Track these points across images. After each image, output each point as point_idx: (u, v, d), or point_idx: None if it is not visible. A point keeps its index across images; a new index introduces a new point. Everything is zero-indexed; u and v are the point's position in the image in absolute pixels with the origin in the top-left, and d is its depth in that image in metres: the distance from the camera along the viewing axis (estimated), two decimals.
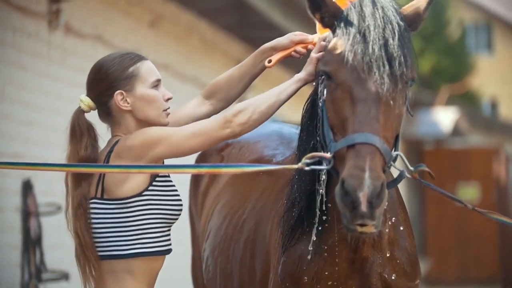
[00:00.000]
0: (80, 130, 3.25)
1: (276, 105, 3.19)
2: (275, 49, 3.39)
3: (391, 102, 2.90)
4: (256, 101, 3.18)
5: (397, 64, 2.91)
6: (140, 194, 3.16)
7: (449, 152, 18.63)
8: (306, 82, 3.23)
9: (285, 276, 3.23)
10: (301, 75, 3.22)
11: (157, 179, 3.20)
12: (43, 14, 6.72)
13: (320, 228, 3.16)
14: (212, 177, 4.39)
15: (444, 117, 18.98)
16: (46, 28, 6.77)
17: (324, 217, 3.16)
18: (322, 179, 3.09)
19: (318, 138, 3.11)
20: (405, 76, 2.93)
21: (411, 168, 3.03)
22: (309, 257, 3.16)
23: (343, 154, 2.86)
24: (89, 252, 3.19)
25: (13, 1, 6.40)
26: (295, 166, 3.06)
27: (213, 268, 3.85)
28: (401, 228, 3.30)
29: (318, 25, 3.33)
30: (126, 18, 8.18)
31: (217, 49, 10.49)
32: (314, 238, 3.15)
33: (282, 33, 3.47)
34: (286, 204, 3.30)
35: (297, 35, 3.38)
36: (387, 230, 3.18)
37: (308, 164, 3.00)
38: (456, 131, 19.75)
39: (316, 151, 3.09)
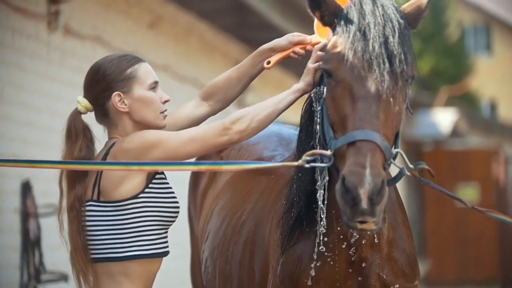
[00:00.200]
0: (76, 132, 3.25)
1: (274, 114, 3.19)
2: (273, 50, 3.38)
3: (391, 99, 2.91)
4: (254, 109, 3.18)
5: (397, 62, 2.92)
6: (136, 196, 3.16)
7: (448, 153, 18.63)
8: (304, 92, 3.22)
9: (284, 277, 3.24)
10: (300, 85, 3.22)
11: (154, 181, 3.20)
12: (42, 15, 6.72)
13: (319, 229, 3.17)
14: (211, 178, 4.39)
15: (443, 118, 18.98)
16: (45, 29, 6.77)
17: (322, 217, 3.16)
18: (325, 180, 3.09)
19: (317, 136, 3.11)
20: (405, 74, 2.94)
21: (411, 166, 3.04)
22: (315, 257, 3.14)
23: (343, 152, 2.87)
24: (80, 255, 3.19)
25: (12, 2, 6.40)
26: (295, 163, 3.07)
27: (212, 270, 3.85)
28: (400, 229, 3.30)
29: (316, 26, 3.34)
30: (125, 19, 8.18)
31: (216, 50, 10.50)
32: (318, 240, 3.14)
33: (281, 34, 3.47)
34: (285, 205, 3.30)
35: (296, 36, 3.38)
36: (386, 231, 3.18)
37: (308, 161, 3.00)
38: (455, 132, 19.76)
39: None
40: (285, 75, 12.54)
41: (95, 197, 3.19)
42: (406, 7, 3.08)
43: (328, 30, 3.13)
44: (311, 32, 3.38)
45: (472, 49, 33.66)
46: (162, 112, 3.30)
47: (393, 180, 3.02)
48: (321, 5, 3.05)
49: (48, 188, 6.50)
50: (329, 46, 3.03)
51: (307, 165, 3.02)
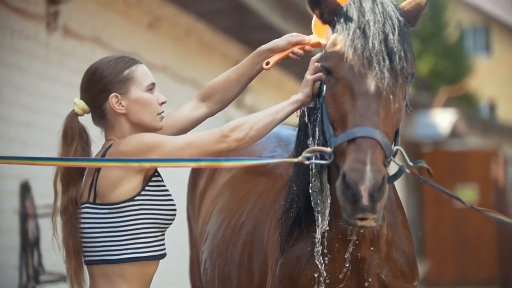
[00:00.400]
0: (72, 133, 3.25)
1: (272, 123, 3.19)
2: (272, 51, 3.38)
3: (391, 96, 2.91)
4: (253, 118, 3.18)
5: (397, 59, 2.92)
6: (132, 199, 3.15)
7: (447, 154, 18.64)
8: (303, 104, 3.21)
9: (283, 278, 3.24)
10: (298, 96, 3.21)
11: (150, 183, 3.20)
12: (41, 16, 6.72)
13: (317, 228, 3.17)
14: (209, 179, 4.39)
15: (442, 119, 18.99)
16: (45, 30, 6.77)
17: (318, 215, 3.16)
18: (323, 180, 3.09)
19: (317, 134, 3.11)
20: (405, 71, 2.94)
21: (411, 164, 3.03)
22: (320, 250, 3.14)
23: (344, 149, 2.87)
24: (72, 259, 3.20)
25: (11, 3, 6.40)
26: (295, 159, 3.07)
27: (211, 271, 3.85)
28: (399, 229, 3.30)
29: (314, 25, 3.34)
30: (124, 20, 8.18)
31: (215, 51, 10.50)
32: (318, 236, 3.14)
33: (280, 35, 3.47)
34: (284, 206, 3.30)
35: (294, 36, 3.38)
36: (385, 231, 3.19)
37: (308, 158, 3.01)
38: (454, 133, 19.76)
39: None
40: (284, 76, 12.54)
41: (91, 200, 3.18)
42: (405, 5, 3.08)
43: (326, 29, 3.14)
44: (310, 32, 3.38)
45: (471, 50, 33.67)
46: (159, 114, 3.30)
47: (393, 177, 3.02)
48: (320, 3, 3.05)
49: (47, 189, 6.47)
50: (328, 43, 3.03)
51: (307, 162, 3.03)
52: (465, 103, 27.21)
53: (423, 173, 3.16)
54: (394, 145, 2.97)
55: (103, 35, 7.66)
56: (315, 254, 3.15)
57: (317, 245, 3.14)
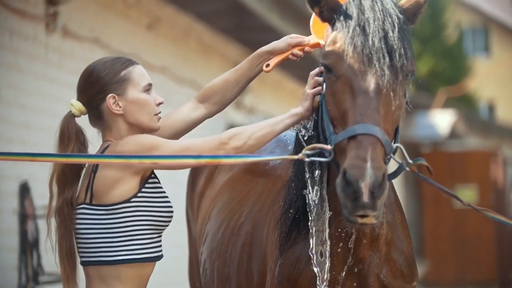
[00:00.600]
0: (69, 135, 3.25)
1: (271, 135, 3.17)
2: (272, 53, 3.38)
3: (392, 94, 2.91)
4: (252, 128, 3.17)
5: (397, 56, 2.92)
6: (129, 201, 3.15)
7: (447, 154, 18.64)
8: (302, 118, 3.20)
9: (282, 278, 3.24)
10: (298, 110, 3.20)
11: (147, 185, 3.19)
12: (40, 17, 6.72)
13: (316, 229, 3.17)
14: (208, 179, 4.39)
15: (442, 119, 19.00)
16: (44, 31, 6.77)
17: (313, 213, 3.16)
18: (322, 180, 3.09)
19: (319, 131, 3.11)
20: (405, 68, 2.94)
21: (410, 161, 3.03)
22: (327, 248, 3.14)
23: (344, 146, 2.87)
24: (65, 260, 3.20)
25: (11, 4, 6.40)
26: (296, 156, 3.07)
27: (211, 272, 3.85)
28: (398, 230, 3.30)
29: (312, 26, 3.34)
30: (123, 21, 8.18)
31: (214, 52, 10.50)
32: (312, 239, 3.14)
33: (279, 36, 3.47)
34: (283, 206, 3.30)
35: (294, 38, 3.38)
36: (384, 231, 3.19)
37: (308, 155, 3.01)
38: (453, 134, 19.77)
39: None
40: (284, 77, 12.54)
41: (87, 200, 3.18)
42: (404, 2, 3.09)
43: (325, 30, 3.14)
44: (309, 32, 3.38)
45: (470, 51, 33.68)
46: (156, 114, 3.30)
47: (393, 175, 3.02)
48: (320, 0, 3.05)
49: (46, 189, 6.49)
50: (328, 41, 3.03)
51: (307, 159, 3.03)
52: (464, 103, 27.23)
53: (422, 171, 3.16)
54: (394, 143, 2.97)
55: (102, 35, 7.66)
56: (313, 255, 3.15)
57: (313, 247, 3.14)
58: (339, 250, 3.15)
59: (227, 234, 3.76)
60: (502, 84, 33.95)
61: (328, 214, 3.12)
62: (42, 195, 6.56)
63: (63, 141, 3.25)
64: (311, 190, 3.15)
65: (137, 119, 3.26)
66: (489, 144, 23.11)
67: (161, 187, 3.24)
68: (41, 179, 6.49)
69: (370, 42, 2.92)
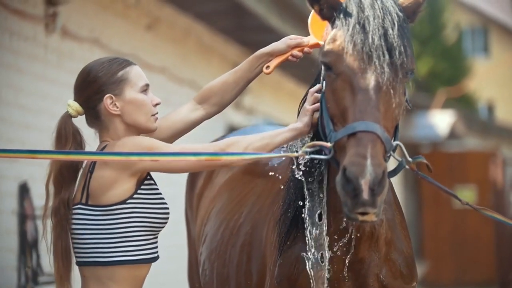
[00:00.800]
0: (66, 135, 3.25)
1: (269, 146, 3.16)
2: (271, 55, 3.38)
3: (391, 91, 2.92)
4: (250, 138, 3.17)
5: (397, 54, 2.93)
6: (124, 202, 3.15)
7: (446, 155, 18.64)
8: (301, 133, 3.19)
9: (281, 279, 3.24)
10: (297, 124, 3.20)
11: (142, 187, 3.19)
12: (40, 17, 6.72)
13: (315, 229, 3.17)
14: (207, 180, 4.39)
15: (441, 120, 19.00)
16: (43, 31, 6.77)
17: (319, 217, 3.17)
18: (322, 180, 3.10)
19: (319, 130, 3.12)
20: (405, 66, 2.95)
21: (410, 159, 3.04)
22: (327, 249, 3.14)
23: (344, 143, 2.87)
24: (60, 261, 3.20)
25: (10, 4, 6.40)
26: (296, 154, 3.08)
27: (210, 272, 3.85)
28: (398, 230, 3.30)
29: (310, 27, 3.34)
30: (123, 22, 8.18)
31: (214, 52, 10.50)
32: (308, 238, 3.14)
33: (279, 36, 3.48)
34: (282, 206, 3.30)
35: (293, 39, 3.38)
36: (384, 231, 3.19)
37: (307, 153, 3.01)
38: (452, 134, 19.77)
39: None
40: (283, 77, 12.54)
41: (83, 201, 3.18)
42: (404, 0, 3.09)
43: (323, 30, 3.14)
44: (308, 33, 3.38)
45: (469, 51, 33.69)
46: (154, 115, 3.30)
47: (392, 173, 3.02)
48: None
49: None
50: (328, 39, 3.03)
51: (307, 157, 3.03)
52: (464, 104, 27.23)
53: (422, 169, 3.16)
54: (394, 140, 2.98)
55: (102, 36, 7.66)
56: (311, 255, 3.15)
57: (311, 249, 3.14)
58: (338, 249, 3.15)
59: (226, 235, 3.76)
60: (502, 84, 33.95)
61: (325, 227, 3.13)
62: (42, 195, 6.52)
63: (60, 142, 3.25)
64: (308, 202, 3.15)
65: (134, 119, 3.26)
66: (489, 144, 23.11)
67: (157, 189, 3.24)
68: (40, 180, 6.46)
69: (370, 40, 2.93)
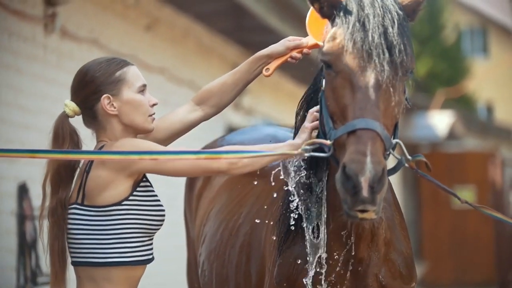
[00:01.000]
0: (63, 135, 3.25)
1: (267, 158, 3.15)
2: (270, 57, 3.39)
3: (391, 89, 2.92)
4: (249, 148, 3.16)
5: (397, 52, 2.93)
6: (120, 203, 3.15)
7: (445, 155, 18.64)
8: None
9: (281, 279, 3.24)
10: (296, 141, 3.19)
11: (138, 189, 3.19)
12: (39, 18, 6.72)
13: (314, 229, 3.18)
14: (206, 181, 4.39)
15: (440, 120, 19.00)
16: (42, 32, 6.77)
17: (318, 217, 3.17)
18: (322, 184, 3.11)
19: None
20: (405, 64, 2.95)
21: (409, 157, 3.04)
22: (322, 245, 3.14)
23: (344, 141, 2.88)
24: (56, 261, 3.20)
25: (9, 5, 6.40)
26: (295, 152, 3.08)
27: (209, 273, 3.85)
28: (397, 230, 3.30)
29: (308, 27, 3.34)
30: (122, 22, 8.18)
31: (213, 53, 10.50)
32: (307, 237, 3.14)
33: (278, 37, 3.48)
34: (281, 207, 3.30)
35: (291, 40, 3.38)
36: (383, 231, 3.19)
37: (307, 150, 3.02)
38: (451, 135, 19.77)
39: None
40: (282, 78, 12.54)
41: (79, 201, 3.18)
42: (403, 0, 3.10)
43: (321, 30, 3.15)
44: (307, 33, 3.38)
45: (468, 52, 33.70)
46: (151, 115, 3.30)
47: (392, 170, 3.02)
48: None
49: None
50: (328, 37, 3.04)
51: (306, 154, 3.04)
52: (463, 105, 27.23)
53: (421, 167, 3.16)
54: (393, 139, 2.98)
55: (101, 36, 7.66)
56: (310, 255, 3.15)
57: (309, 251, 3.15)
58: (337, 249, 3.15)
59: (225, 235, 3.76)
60: (501, 85, 33.96)
61: (325, 238, 3.14)
62: (41, 196, 6.56)
63: (57, 142, 3.25)
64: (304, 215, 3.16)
65: (132, 120, 3.26)
66: (488, 145, 23.12)
67: (153, 191, 3.24)
68: (39, 180, 6.45)
69: (370, 38, 2.93)
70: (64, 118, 3.28)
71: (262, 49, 3.44)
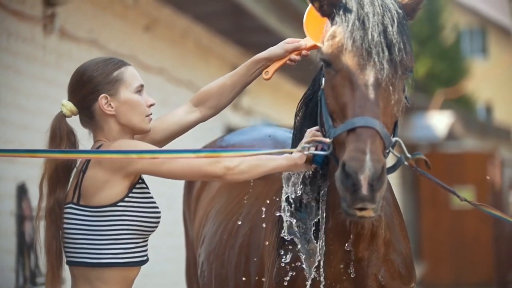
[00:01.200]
0: (60, 135, 3.25)
1: (263, 168, 3.15)
2: (269, 60, 3.39)
3: (391, 87, 2.93)
4: (246, 156, 3.16)
5: (396, 50, 2.94)
6: (115, 204, 3.14)
7: (444, 156, 18.64)
8: (295, 165, 3.15)
9: (280, 279, 3.24)
10: (293, 155, 3.16)
11: (134, 190, 3.19)
12: (38, 18, 6.72)
13: (314, 229, 3.18)
14: (205, 181, 4.39)
15: (439, 121, 19.00)
16: (41, 32, 6.77)
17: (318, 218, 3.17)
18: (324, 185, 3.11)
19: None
20: (404, 62, 2.96)
21: (409, 156, 3.04)
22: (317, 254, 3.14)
23: (343, 139, 2.88)
24: (53, 261, 3.20)
25: (8, 5, 6.39)
26: (295, 150, 3.08)
27: (208, 274, 3.85)
28: (396, 231, 3.30)
29: (306, 28, 3.34)
30: (121, 22, 8.18)
31: (212, 53, 10.50)
32: (308, 237, 3.14)
33: (277, 37, 3.48)
34: (281, 207, 3.30)
35: (290, 43, 3.38)
36: (382, 231, 3.19)
37: (306, 148, 3.02)
38: (451, 135, 19.77)
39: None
40: (281, 79, 12.54)
41: (75, 200, 3.18)
42: None
43: (319, 31, 3.15)
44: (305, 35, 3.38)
45: (467, 52, 33.71)
46: (148, 116, 3.30)
47: (392, 169, 3.03)
48: None
49: None
50: (327, 36, 3.04)
51: (306, 152, 3.04)
52: (462, 105, 27.23)
53: (420, 165, 3.17)
54: (393, 137, 2.98)
55: (100, 37, 7.66)
56: (307, 254, 3.16)
57: (307, 251, 3.15)
58: (337, 249, 3.15)
59: (225, 236, 3.76)
60: (500, 85, 33.97)
61: (323, 247, 3.14)
62: None
63: (55, 141, 3.24)
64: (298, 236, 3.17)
65: (129, 120, 3.26)
66: (487, 145, 23.12)
67: (148, 192, 3.23)
68: (39, 181, 6.48)
69: (370, 36, 2.94)
70: (61, 118, 3.28)
71: (261, 50, 3.44)
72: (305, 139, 3.18)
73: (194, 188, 4.52)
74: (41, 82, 6.77)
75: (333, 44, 2.99)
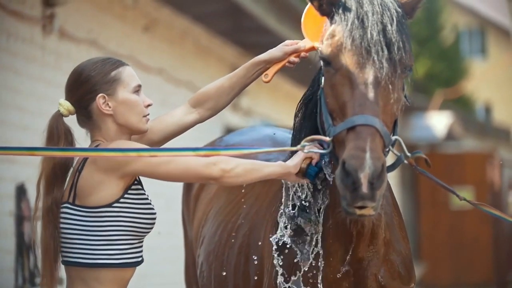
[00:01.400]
0: (58, 134, 3.24)
1: (258, 173, 3.16)
2: (268, 62, 3.39)
3: (390, 86, 2.93)
4: (243, 159, 3.16)
5: (395, 49, 2.94)
6: (110, 205, 3.14)
7: (443, 156, 18.65)
8: (289, 172, 3.16)
9: (279, 280, 3.24)
10: (288, 163, 3.18)
11: (130, 191, 3.18)
12: (37, 18, 6.72)
13: (314, 229, 3.18)
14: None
15: (438, 121, 19.01)
16: (40, 33, 6.77)
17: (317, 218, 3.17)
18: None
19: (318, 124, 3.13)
20: (403, 61, 2.96)
21: (408, 154, 3.04)
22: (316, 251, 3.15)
23: (343, 137, 2.89)
24: (50, 261, 3.19)
25: (7, 5, 6.40)
26: (294, 148, 3.08)
27: (208, 274, 3.85)
28: (396, 231, 3.31)
29: (304, 30, 3.35)
30: (120, 23, 8.18)
31: (211, 53, 10.50)
32: (310, 238, 3.14)
33: (276, 38, 3.48)
34: (280, 208, 3.30)
35: (289, 45, 3.38)
36: (382, 231, 3.19)
37: (305, 147, 3.02)
38: (450, 136, 19.78)
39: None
40: (280, 79, 12.54)
41: (71, 200, 3.18)
42: None
43: (318, 32, 3.15)
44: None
45: (467, 53, 33.71)
46: (145, 116, 3.30)
47: (391, 167, 3.03)
48: None
49: None
50: (327, 35, 3.04)
51: (306, 151, 3.05)
52: (461, 105, 27.24)
53: (420, 164, 3.17)
54: (393, 135, 2.98)
55: (99, 37, 7.66)
56: (308, 255, 3.16)
57: (308, 251, 3.15)
58: (337, 249, 3.15)
59: (224, 237, 3.76)
60: (499, 86, 33.97)
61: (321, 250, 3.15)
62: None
63: (52, 141, 3.24)
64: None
65: (126, 120, 3.26)
66: (486, 146, 23.13)
67: (144, 194, 3.23)
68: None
69: (369, 35, 2.94)
70: (58, 117, 3.28)
71: (260, 50, 3.45)
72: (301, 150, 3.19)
73: (193, 188, 4.52)
74: (40, 82, 6.77)
75: (332, 43, 3.00)
